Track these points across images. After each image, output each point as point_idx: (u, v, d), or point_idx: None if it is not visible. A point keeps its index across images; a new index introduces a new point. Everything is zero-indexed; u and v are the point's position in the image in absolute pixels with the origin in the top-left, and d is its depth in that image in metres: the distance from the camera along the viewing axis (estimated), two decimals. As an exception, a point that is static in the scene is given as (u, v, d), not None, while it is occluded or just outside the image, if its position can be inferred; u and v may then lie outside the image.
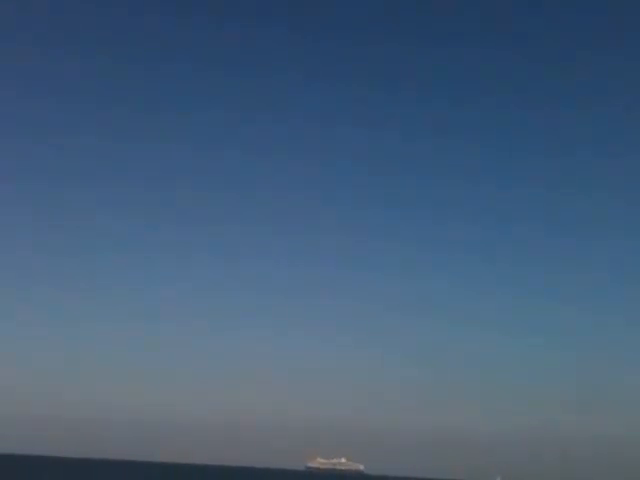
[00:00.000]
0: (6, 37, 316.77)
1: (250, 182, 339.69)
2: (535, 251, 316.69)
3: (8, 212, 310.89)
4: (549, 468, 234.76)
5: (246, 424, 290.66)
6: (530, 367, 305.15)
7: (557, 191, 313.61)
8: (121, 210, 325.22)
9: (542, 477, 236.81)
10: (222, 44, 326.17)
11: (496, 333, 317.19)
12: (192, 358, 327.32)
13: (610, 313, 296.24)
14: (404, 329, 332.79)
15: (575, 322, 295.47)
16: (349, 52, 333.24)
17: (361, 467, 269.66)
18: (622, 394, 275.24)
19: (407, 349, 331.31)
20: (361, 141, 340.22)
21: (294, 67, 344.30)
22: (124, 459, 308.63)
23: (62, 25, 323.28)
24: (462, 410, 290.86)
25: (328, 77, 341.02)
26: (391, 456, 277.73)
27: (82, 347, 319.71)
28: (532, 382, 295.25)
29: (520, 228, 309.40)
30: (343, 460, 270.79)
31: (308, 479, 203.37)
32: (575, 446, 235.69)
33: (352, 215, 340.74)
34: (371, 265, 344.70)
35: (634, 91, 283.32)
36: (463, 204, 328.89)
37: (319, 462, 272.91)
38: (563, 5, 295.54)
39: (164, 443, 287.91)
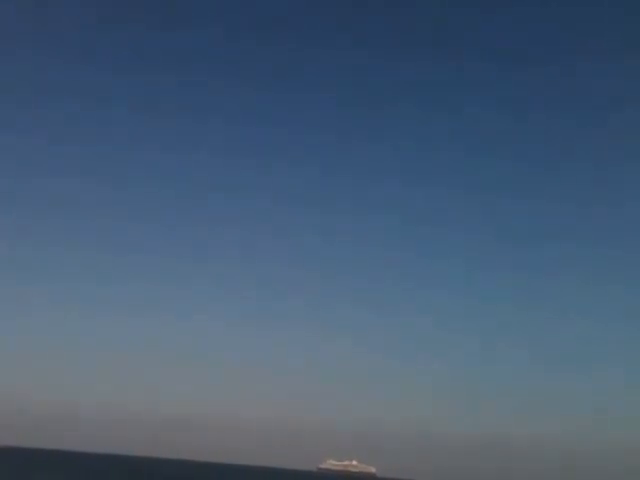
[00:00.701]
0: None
1: (250, 185, 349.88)
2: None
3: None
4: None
5: (260, 425, 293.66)
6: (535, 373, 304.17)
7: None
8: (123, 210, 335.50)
9: None
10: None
11: (505, 333, 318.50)
12: (202, 357, 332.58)
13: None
14: (421, 333, 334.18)
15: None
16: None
17: (373, 470, 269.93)
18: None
19: (424, 354, 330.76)
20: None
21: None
22: (150, 455, 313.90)
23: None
24: (477, 414, 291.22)
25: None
26: (403, 459, 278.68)
27: (78, 344, 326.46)
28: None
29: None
30: (355, 462, 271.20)
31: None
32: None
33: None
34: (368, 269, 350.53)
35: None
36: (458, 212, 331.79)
37: (331, 464, 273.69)
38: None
39: (179, 441, 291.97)
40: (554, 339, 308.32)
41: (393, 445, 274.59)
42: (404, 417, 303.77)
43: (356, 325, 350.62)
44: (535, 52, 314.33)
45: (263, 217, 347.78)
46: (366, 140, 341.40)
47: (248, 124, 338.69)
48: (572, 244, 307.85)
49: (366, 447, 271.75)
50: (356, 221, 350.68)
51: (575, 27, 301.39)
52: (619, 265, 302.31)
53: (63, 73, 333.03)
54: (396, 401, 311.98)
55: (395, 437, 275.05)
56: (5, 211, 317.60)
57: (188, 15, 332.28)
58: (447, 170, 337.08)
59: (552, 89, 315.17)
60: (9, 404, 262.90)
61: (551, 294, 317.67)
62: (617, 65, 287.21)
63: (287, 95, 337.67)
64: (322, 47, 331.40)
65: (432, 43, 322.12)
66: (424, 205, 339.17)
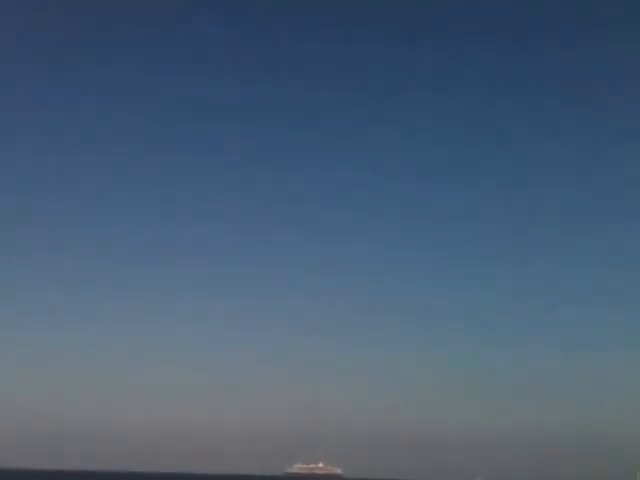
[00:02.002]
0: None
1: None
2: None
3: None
4: (530, 468, 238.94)
5: (223, 431, 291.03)
6: (512, 367, 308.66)
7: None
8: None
9: (523, 477, 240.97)
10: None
11: (480, 334, 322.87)
12: (155, 364, 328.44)
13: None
14: (384, 329, 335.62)
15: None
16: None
17: (339, 471, 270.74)
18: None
19: (388, 350, 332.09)
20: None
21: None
22: (100, 470, 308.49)
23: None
24: (442, 411, 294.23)
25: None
26: (369, 459, 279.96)
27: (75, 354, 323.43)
28: (513, 382, 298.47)
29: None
30: (321, 465, 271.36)
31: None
32: (558, 446, 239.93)
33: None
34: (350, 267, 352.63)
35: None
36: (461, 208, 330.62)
37: (298, 468, 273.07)
38: None
39: (139, 452, 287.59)
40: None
41: (358, 445, 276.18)
42: (370, 416, 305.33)
43: (324, 325, 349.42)
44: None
45: (261, 215, 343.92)
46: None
47: (247, 122, 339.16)
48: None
49: (332, 449, 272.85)
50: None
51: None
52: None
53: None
54: (361, 401, 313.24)
55: (361, 437, 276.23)
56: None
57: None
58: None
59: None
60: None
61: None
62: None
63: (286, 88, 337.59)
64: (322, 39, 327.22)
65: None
66: (418, 201, 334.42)
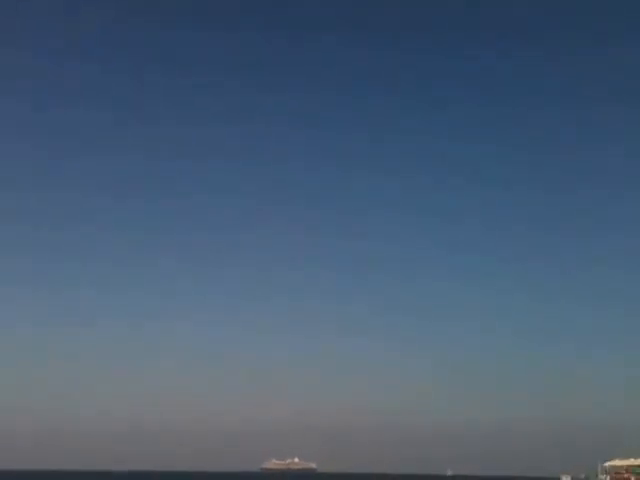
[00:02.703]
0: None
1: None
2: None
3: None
4: (496, 460, 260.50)
5: (201, 429, 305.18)
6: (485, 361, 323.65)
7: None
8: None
9: (489, 469, 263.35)
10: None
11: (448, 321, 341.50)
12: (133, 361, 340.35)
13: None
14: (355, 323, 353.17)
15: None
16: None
17: (313, 465, 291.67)
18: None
19: (359, 346, 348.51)
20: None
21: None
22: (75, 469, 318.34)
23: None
24: (413, 406, 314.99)
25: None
26: (343, 453, 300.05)
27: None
28: (485, 377, 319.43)
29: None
30: (296, 460, 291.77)
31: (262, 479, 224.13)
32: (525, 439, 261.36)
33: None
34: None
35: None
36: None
37: (274, 463, 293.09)
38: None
39: (118, 451, 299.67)
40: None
41: (333, 440, 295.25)
42: (342, 412, 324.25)
43: (294, 319, 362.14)
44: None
45: (274, 216, 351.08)
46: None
47: (253, 122, 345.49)
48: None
49: (306, 444, 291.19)
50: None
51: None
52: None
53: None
54: (335, 397, 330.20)
55: (335, 433, 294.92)
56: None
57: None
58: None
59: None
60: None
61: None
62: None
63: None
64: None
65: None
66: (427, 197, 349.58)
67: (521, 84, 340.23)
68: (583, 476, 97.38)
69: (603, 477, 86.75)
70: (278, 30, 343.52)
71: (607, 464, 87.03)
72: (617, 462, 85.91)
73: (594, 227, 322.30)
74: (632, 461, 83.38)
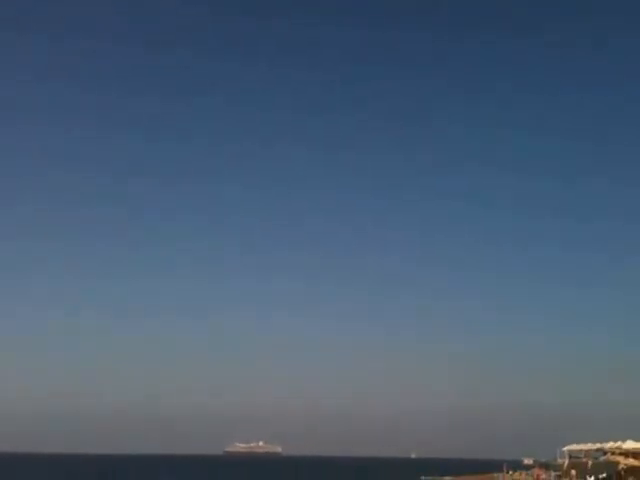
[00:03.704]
0: None
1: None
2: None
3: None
4: (461, 443, 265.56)
5: (165, 412, 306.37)
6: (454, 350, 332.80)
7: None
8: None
9: (452, 452, 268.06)
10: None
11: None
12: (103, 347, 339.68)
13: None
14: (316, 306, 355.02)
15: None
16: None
17: (279, 449, 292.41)
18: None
19: (324, 331, 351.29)
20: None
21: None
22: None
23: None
24: (378, 390, 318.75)
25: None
26: (308, 437, 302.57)
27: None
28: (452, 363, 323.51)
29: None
30: (261, 443, 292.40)
31: (226, 464, 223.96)
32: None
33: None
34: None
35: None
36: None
37: (238, 447, 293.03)
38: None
39: (83, 434, 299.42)
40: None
41: (298, 424, 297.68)
42: (308, 397, 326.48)
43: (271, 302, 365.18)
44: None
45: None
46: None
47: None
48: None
49: (272, 429, 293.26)
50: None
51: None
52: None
53: None
54: (302, 382, 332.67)
55: (300, 416, 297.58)
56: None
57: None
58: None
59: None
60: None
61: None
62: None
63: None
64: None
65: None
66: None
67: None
68: (544, 460, 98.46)
69: (561, 461, 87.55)
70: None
71: (565, 448, 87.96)
72: (575, 446, 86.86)
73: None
74: (590, 445, 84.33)
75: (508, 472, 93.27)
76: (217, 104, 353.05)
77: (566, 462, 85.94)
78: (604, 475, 74.76)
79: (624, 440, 78.97)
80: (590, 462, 79.83)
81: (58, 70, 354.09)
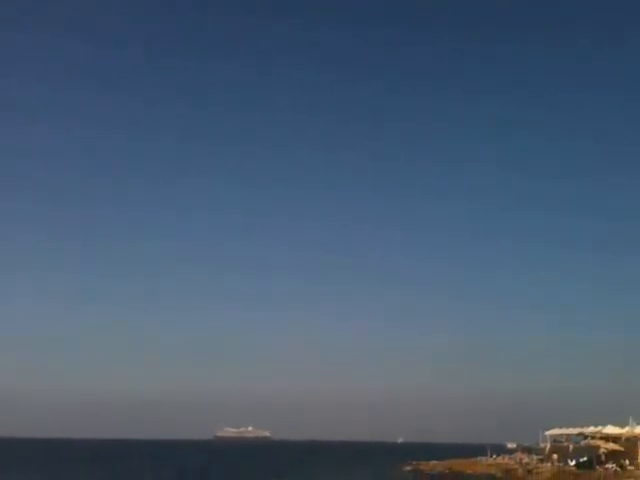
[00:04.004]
0: None
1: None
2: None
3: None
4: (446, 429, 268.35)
5: (154, 398, 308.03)
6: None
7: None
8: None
9: (438, 436, 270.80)
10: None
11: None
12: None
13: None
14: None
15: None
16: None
17: (267, 433, 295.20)
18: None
19: (311, 316, 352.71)
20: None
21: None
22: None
23: None
24: (365, 375, 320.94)
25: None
26: (296, 422, 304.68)
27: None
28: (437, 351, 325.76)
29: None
30: (250, 428, 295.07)
31: (215, 447, 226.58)
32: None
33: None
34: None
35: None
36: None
37: (227, 431, 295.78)
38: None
39: (75, 420, 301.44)
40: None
41: (286, 409, 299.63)
42: (295, 382, 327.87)
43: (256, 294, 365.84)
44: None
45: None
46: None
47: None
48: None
49: (261, 414, 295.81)
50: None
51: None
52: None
53: None
54: (287, 367, 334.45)
55: (288, 402, 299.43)
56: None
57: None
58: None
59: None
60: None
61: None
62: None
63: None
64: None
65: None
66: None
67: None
68: (527, 444, 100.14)
69: (543, 445, 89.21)
70: None
71: (547, 433, 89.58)
72: (556, 431, 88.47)
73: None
74: (571, 430, 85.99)
75: (491, 456, 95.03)
76: (217, 103, 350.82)
77: (548, 446, 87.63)
78: (585, 459, 76.65)
79: (604, 425, 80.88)
80: (571, 446, 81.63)
81: (58, 70, 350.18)
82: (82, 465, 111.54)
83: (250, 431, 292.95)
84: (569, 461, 78.55)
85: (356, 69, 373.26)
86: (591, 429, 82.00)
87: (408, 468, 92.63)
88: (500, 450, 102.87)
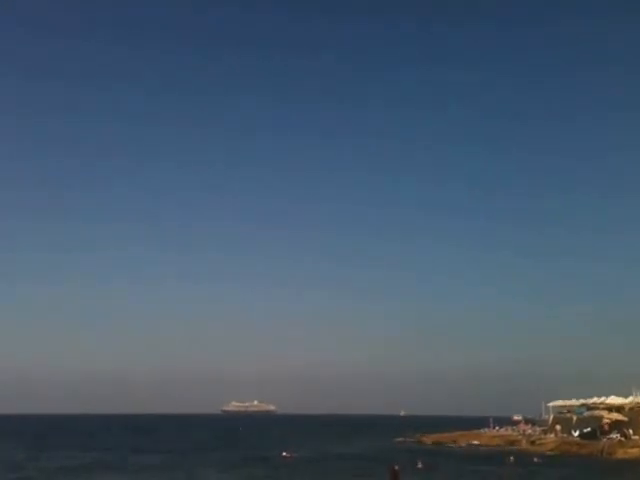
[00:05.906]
0: None
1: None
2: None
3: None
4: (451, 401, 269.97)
5: (167, 375, 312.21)
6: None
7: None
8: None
9: (438, 410, 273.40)
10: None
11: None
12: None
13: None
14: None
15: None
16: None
17: (272, 407, 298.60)
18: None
19: (315, 294, 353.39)
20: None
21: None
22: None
23: None
24: (367, 351, 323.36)
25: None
26: (301, 396, 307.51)
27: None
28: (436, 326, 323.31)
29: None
30: (256, 402, 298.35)
31: (221, 420, 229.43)
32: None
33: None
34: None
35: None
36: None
37: (234, 406, 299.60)
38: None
39: (93, 395, 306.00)
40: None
41: (292, 383, 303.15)
42: (300, 356, 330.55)
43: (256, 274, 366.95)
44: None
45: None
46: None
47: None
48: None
49: (267, 389, 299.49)
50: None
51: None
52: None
53: None
54: (293, 341, 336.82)
55: (293, 376, 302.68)
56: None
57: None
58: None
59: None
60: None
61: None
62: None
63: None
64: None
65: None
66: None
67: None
68: (531, 416, 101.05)
69: (547, 417, 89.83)
70: None
71: (550, 404, 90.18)
72: (560, 402, 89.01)
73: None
74: (574, 402, 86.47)
75: (494, 427, 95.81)
76: (217, 102, 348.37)
77: (551, 418, 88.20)
78: (588, 429, 77.11)
79: (607, 395, 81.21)
80: (575, 417, 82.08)
81: (57, 69, 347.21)
82: (125, 434, 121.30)
83: (255, 405, 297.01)
84: (572, 432, 79.03)
85: (354, 67, 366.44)
86: (594, 400, 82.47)
87: (400, 439, 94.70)
88: (506, 422, 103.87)
